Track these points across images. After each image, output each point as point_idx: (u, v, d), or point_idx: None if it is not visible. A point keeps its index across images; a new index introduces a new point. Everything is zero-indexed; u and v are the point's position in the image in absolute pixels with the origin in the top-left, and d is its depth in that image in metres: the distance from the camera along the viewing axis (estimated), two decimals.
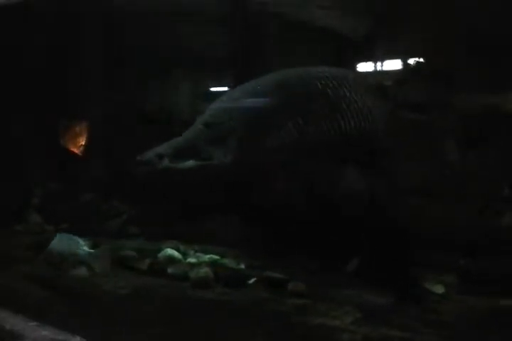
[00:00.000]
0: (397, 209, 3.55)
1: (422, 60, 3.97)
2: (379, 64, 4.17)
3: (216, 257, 3.72)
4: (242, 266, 3.58)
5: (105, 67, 5.04)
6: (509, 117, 3.61)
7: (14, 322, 2.94)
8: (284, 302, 3.07)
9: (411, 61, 4.02)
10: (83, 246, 3.84)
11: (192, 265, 3.59)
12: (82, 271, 3.61)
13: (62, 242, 3.85)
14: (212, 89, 5.11)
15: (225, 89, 4.65)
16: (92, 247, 3.97)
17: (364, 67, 4.31)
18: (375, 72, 4.17)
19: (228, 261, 3.64)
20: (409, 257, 3.39)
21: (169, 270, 3.54)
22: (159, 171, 3.49)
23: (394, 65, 4.08)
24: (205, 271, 3.40)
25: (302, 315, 2.92)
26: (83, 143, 5.36)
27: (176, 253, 3.74)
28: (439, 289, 3.17)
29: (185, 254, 3.78)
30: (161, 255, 3.75)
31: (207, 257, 3.71)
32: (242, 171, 3.56)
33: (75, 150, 5.35)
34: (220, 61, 4.46)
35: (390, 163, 3.71)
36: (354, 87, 3.67)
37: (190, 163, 3.49)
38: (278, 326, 2.84)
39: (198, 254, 3.80)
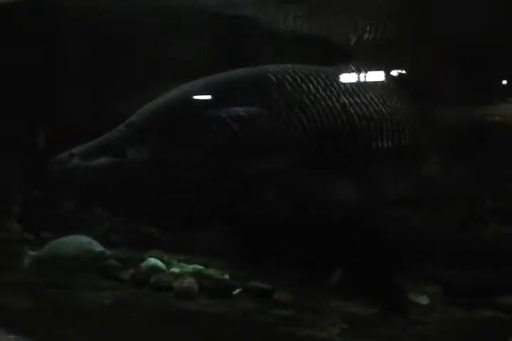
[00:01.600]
0: (377, 219, 3.57)
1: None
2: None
3: (200, 267, 3.68)
4: (227, 277, 3.54)
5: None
6: (493, 128, 3.66)
7: None
8: (270, 313, 3.06)
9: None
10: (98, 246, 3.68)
11: (175, 275, 3.55)
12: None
13: (68, 244, 3.67)
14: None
15: None
16: None
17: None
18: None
19: (212, 271, 3.60)
20: (392, 268, 3.40)
21: (152, 280, 3.50)
22: (68, 169, 3.68)
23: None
24: (189, 281, 3.37)
25: (289, 326, 2.91)
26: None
27: (159, 263, 3.69)
28: (424, 300, 3.18)
29: (168, 264, 3.74)
30: (144, 264, 3.70)
31: (190, 267, 3.67)
32: (153, 169, 3.64)
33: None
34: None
35: (369, 170, 3.74)
36: (326, 84, 3.67)
37: (101, 160, 3.64)
38: (265, 337, 2.82)
39: (182, 264, 3.76)
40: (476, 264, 3.28)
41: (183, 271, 3.61)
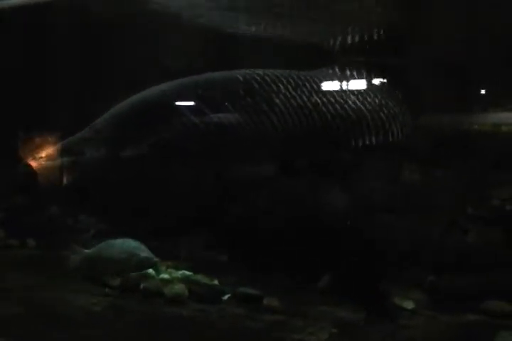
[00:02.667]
0: (361, 224, 3.65)
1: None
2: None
3: (188, 273, 3.71)
4: (216, 282, 3.57)
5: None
6: (474, 136, 3.76)
7: None
8: (259, 319, 3.10)
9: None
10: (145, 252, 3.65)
11: (165, 281, 3.57)
12: None
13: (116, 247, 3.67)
14: None
15: None
16: None
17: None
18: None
19: (201, 277, 3.63)
20: (378, 273, 3.47)
21: (142, 286, 3.51)
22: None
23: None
24: (179, 287, 3.40)
25: (279, 331, 2.95)
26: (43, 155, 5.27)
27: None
28: (409, 305, 3.25)
29: (157, 270, 3.76)
30: None
31: (179, 273, 3.70)
32: (108, 166, 3.92)
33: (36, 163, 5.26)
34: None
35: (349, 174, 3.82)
36: (298, 85, 3.75)
37: (63, 159, 4.00)
38: None
39: (170, 270, 3.78)
40: (459, 269, 3.37)
41: (172, 276, 3.63)
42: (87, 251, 3.73)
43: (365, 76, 4.03)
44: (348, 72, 3.98)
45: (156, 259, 3.63)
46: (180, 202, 3.86)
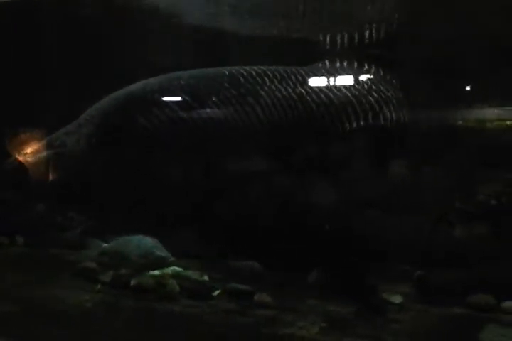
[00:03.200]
0: (349, 219, 3.69)
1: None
2: None
3: (179, 269, 3.73)
4: (206, 278, 3.60)
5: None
6: (463, 132, 3.81)
7: None
8: (250, 314, 3.14)
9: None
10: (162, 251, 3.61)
11: (155, 277, 3.59)
12: None
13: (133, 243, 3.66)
14: None
15: None
16: None
17: None
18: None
19: (191, 273, 3.65)
20: (366, 268, 3.51)
21: (133, 282, 3.53)
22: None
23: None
24: (170, 283, 3.42)
25: (270, 326, 2.99)
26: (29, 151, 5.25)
27: None
28: (397, 299, 3.30)
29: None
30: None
31: (170, 269, 3.72)
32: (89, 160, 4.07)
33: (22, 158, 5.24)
34: None
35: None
36: (284, 78, 3.81)
37: (48, 154, 4.20)
38: (248, 337, 2.90)
39: None
40: (446, 264, 3.42)
41: (163, 272, 3.65)
42: (105, 245, 3.74)
43: (356, 69, 4.05)
44: (339, 66, 4.01)
45: (172, 259, 3.60)
46: (163, 196, 3.90)
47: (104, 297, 3.42)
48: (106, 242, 3.80)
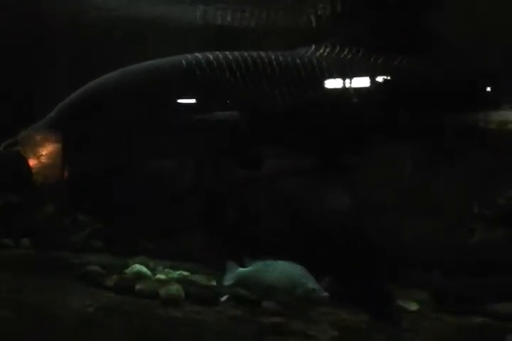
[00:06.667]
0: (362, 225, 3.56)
1: None
2: None
3: (186, 273, 3.62)
4: (214, 283, 3.48)
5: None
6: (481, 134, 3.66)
7: None
8: (258, 321, 3.01)
9: None
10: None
11: (161, 281, 3.48)
12: None
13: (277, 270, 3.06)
14: None
15: None
16: None
17: None
18: None
19: (199, 278, 3.54)
20: (382, 275, 3.37)
21: (137, 287, 3.42)
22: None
23: None
24: (175, 288, 3.30)
25: (278, 334, 2.86)
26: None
27: (144, 269, 3.61)
28: (413, 306, 3.16)
29: (153, 270, 3.67)
30: (128, 271, 3.62)
31: (176, 273, 3.60)
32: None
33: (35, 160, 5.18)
34: None
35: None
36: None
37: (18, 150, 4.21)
38: None
39: (167, 270, 3.68)
40: (464, 271, 3.27)
41: (169, 277, 3.53)
42: (241, 269, 3.17)
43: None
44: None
45: (325, 294, 2.93)
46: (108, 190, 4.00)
47: (106, 302, 3.31)
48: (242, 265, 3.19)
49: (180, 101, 3.94)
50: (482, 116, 3.76)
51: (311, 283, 2.97)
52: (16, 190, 4.54)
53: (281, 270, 3.09)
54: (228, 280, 3.19)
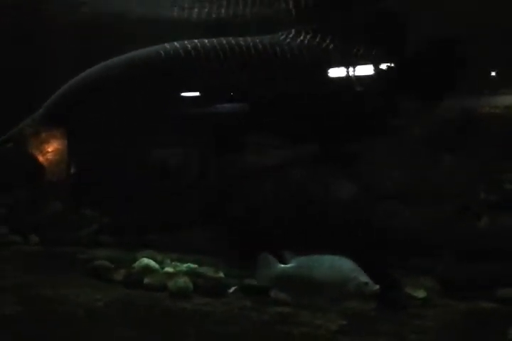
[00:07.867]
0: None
1: None
2: None
3: (193, 266, 3.63)
4: (221, 275, 3.49)
5: None
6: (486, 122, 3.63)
7: None
8: (267, 311, 3.01)
9: None
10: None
11: (169, 274, 3.49)
12: None
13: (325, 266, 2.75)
14: None
15: None
16: None
17: None
18: None
19: (206, 270, 3.55)
20: (389, 262, 3.36)
21: (146, 280, 3.43)
22: None
23: None
24: (184, 280, 3.31)
25: (286, 324, 2.87)
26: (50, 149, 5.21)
27: (152, 263, 3.63)
28: (421, 293, 3.16)
29: (161, 263, 3.68)
30: (136, 265, 3.64)
31: (184, 266, 3.61)
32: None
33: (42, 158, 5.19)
34: None
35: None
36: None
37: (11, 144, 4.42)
38: (264, 336, 2.78)
39: (175, 263, 3.70)
40: (472, 257, 3.27)
41: (177, 270, 3.55)
42: (282, 266, 2.79)
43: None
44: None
45: (377, 287, 2.67)
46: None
47: (115, 296, 3.32)
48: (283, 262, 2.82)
49: (161, 91, 3.99)
50: (487, 102, 3.74)
51: (363, 277, 2.71)
52: (21, 187, 4.57)
53: (330, 265, 2.79)
54: (265, 278, 2.83)
